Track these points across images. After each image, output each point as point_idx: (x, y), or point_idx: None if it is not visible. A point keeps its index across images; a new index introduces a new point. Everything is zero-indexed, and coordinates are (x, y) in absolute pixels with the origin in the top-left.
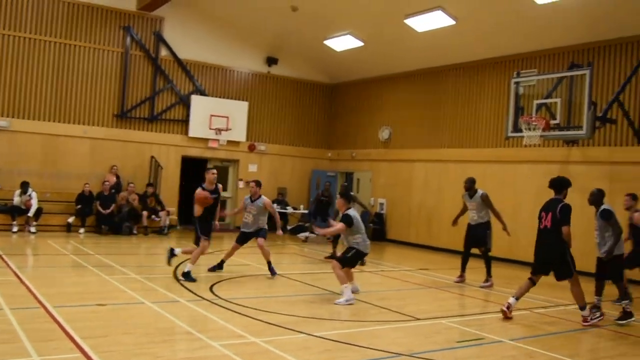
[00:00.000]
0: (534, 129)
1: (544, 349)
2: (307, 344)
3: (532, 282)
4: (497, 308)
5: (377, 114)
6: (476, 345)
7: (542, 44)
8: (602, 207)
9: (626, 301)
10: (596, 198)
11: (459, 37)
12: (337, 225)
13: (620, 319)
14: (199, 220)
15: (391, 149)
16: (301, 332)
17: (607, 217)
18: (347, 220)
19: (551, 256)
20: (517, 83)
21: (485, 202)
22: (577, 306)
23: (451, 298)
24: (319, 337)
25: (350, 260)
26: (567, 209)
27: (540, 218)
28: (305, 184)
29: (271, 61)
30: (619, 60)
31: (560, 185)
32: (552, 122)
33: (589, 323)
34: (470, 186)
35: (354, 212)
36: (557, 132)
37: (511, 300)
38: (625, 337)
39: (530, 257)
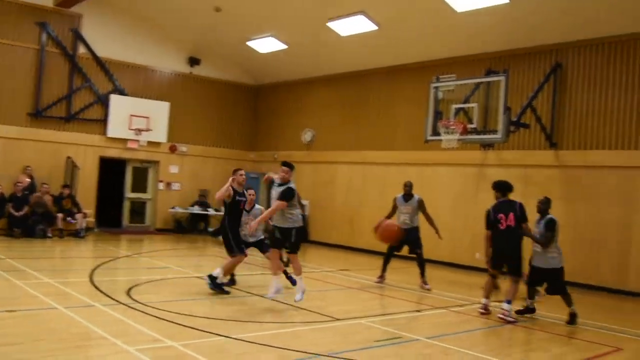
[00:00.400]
0: (452, 133)
1: (459, 347)
2: (225, 346)
3: (494, 277)
4: (416, 307)
5: (300, 116)
6: (393, 345)
7: (461, 50)
8: (549, 216)
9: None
10: (546, 206)
11: (382, 42)
12: (276, 204)
13: (569, 321)
14: (232, 232)
15: (314, 151)
16: (219, 335)
17: (550, 227)
18: (290, 193)
19: (514, 253)
20: (436, 88)
21: (421, 206)
22: (503, 300)
23: (371, 298)
24: (237, 339)
25: (298, 242)
26: (524, 208)
27: (499, 219)
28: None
29: (193, 61)
30: (532, 67)
31: (507, 187)
32: (469, 126)
33: (505, 318)
34: (410, 190)
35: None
36: (474, 136)
37: (484, 301)
38: (536, 332)
39: (452, 257)
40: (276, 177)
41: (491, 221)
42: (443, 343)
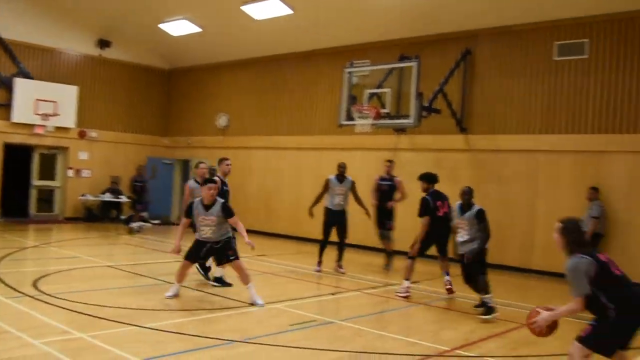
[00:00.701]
0: (365, 118)
1: (373, 328)
2: (138, 336)
3: (413, 259)
4: (330, 290)
5: (215, 100)
6: (308, 328)
7: (375, 36)
8: (477, 207)
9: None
10: (469, 197)
11: (296, 27)
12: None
13: (484, 313)
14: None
15: (229, 136)
16: (131, 325)
17: (482, 218)
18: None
19: (447, 237)
20: (350, 73)
21: (353, 188)
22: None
23: (287, 283)
24: (150, 328)
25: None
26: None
27: (437, 207)
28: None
29: (103, 44)
30: (444, 53)
31: (434, 179)
32: (383, 111)
33: (401, 294)
34: (344, 171)
35: None
36: (387, 121)
37: (406, 283)
38: (447, 311)
39: (366, 240)
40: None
41: (430, 208)
42: (357, 325)
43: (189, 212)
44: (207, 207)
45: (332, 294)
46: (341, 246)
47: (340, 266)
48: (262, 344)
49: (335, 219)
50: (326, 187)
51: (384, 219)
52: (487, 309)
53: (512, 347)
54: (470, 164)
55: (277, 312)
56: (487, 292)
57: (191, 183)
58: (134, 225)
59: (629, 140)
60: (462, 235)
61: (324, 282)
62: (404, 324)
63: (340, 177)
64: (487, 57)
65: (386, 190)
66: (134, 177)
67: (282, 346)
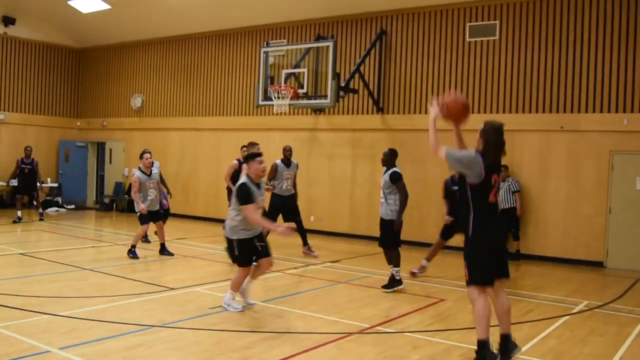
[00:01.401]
0: (283, 98)
1: (294, 308)
2: (51, 325)
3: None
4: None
5: (129, 81)
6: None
7: (291, 15)
8: (393, 169)
9: (397, 268)
10: (386, 158)
11: (211, 4)
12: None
13: (386, 286)
14: None
15: (144, 117)
16: (44, 313)
17: (395, 180)
18: None
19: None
20: (266, 52)
21: (296, 171)
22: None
23: (206, 266)
24: (65, 316)
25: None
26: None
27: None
28: (53, 156)
29: (8, 21)
30: (360, 33)
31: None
32: (300, 91)
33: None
34: (291, 155)
35: None
36: (304, 101)
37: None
38: (368, 289)
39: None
40: None
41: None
42: (279, 305)
43: (250, 196)
44: (258, 186)
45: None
46: (302, 230)
47: (310, 249)
48: (182, 327)
49: (286, 204)
50: (275, 171)
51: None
52: (393, 281)
53: (430, 322)
54: (387, 143)
55: (196, 295)
56: (397, 265)
57: (138, 173)
58: (51, 210)
59: (538, 120)
60: (381, 198)
61: None
62: (325, 303)
63: (287, 161)
64: (402, 37)
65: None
66: (20, 160)
67: (203, 329)
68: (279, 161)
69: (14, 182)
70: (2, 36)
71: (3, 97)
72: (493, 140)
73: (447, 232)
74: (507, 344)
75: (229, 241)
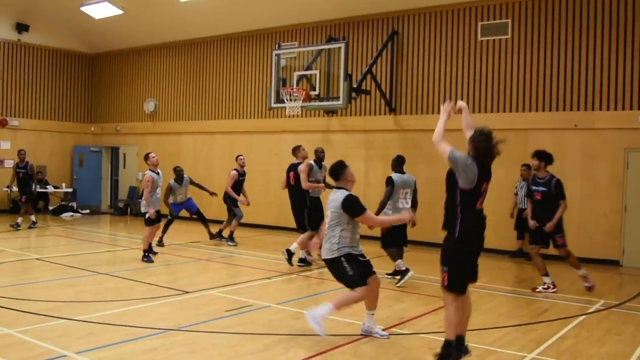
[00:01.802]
0: (295, 100)
1: (309, 310)
2: (68, 329)
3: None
4: (266, 275)
5: (142, 85)
6: (244, 313)
7: (302, 17)
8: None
9: (398, 261)
10: (392, 165)
11: (222, 8)
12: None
13: (398, 281)
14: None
15: (158, 121)
16: (61, 318)
17: (386, 183)
18: None
19: None
20: (278, 55)
21: (325, 173)
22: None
23: (222, 269)
24: (81, 320)
25: None
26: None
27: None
28: (68, 161)
29: (22, 28)
30: (371, 35)
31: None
32: (312, 93)
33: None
34: (323, 157)
35: None
36: (317, 103)
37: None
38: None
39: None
40: None
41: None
42: (293, 308)
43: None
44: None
45: (268, 278)
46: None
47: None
48: (197, 331)
49: (316, 206)
50: (308, 173)
51: None
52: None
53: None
54: (400, 144)
55: (212, 298)
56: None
57: (149, 173)
58: (66, 215)
59: (552, 118)
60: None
61: (259, 266)
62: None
63: (319, 162)
64: (414, 37)
65: None
66: (16, 164)
67: (218, 332)
68: (312, 162)
69: (14, 188)
70: (16, 43)
71: (18, 104)
72: (483, 147)
73: (539, 236)
74: (461, 345)
75: (335, 261)
